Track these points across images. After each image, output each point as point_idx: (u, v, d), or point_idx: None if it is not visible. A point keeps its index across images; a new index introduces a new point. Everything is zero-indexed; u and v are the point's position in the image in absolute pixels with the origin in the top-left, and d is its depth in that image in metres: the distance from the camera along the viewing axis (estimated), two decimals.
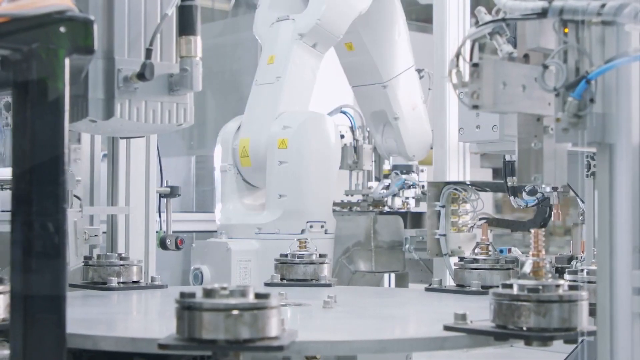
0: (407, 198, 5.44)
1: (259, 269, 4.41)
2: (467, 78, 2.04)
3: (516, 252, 3.92)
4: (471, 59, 2.13)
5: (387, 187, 5.44)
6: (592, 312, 2.18)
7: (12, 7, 1.93)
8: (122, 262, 3.50)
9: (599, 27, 2.03)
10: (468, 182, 4.52)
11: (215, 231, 4.90)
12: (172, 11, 3.19)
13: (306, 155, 4.65)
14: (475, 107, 2.01)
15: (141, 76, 3.05)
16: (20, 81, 1.88)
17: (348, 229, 4.94)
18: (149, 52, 3.09)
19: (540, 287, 2.15)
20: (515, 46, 2.23)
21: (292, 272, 3.63)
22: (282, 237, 4.49)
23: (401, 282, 5.24)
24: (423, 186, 5.39)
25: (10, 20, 1.88)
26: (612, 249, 2.02)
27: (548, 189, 3.96)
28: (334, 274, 4.63)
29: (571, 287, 2.20)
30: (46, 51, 1.88)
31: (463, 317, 2.26)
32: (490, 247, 3.41)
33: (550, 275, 2.23)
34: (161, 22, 3.16)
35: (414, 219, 5.16)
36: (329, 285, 3.60)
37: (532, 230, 2.31)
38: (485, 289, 3.19)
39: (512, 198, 4.22)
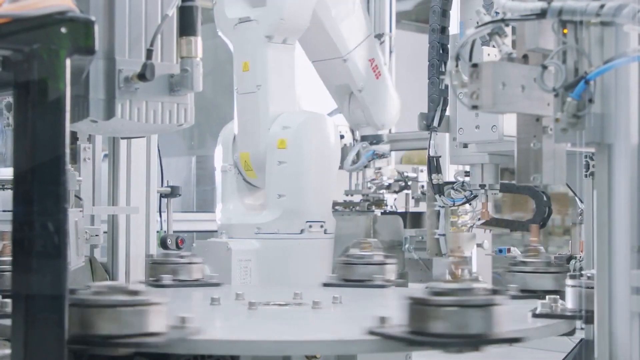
0: (379, 169, 5.35)
1: (259, 269, 4.41)
2: (466, 78, 2.04)
3: (515, 251, 3.93)
4: (470, 59, 2.13)
5: (357, 159, 5.30)
6: (589, 320, 2.17)
7: (13, 7, 1.93)
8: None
9: (598, 27, 2.03)
10: (467, 182, 4.52)
11: (216, 231, 4.90)
12: (172, 12, 3.19)
13: (305, 155, 4.64)
14: (475, 107, 2.01)
15: (142, 76, 3.05)
16: (21, 81, 1.88)
17: (348, 229, 4.94)
18: (149, 53, 3.09)
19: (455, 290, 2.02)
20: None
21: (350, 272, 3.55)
22: (283, 237, 4.49)
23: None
24: (422, 186, 5.38)
25: (12, 21, 1.88)
26: (610, 249, 2.02)
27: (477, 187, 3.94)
28: (333, 273, 4.63)
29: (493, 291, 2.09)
30: (47, 52, 1.88)
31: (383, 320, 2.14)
32: (540, 248, 3.33)
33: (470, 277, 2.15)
34: (162, 22, 3.16)
35: (414, 219, 5.16)
36: (383, 286, 3.49)
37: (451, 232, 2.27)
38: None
39: (437, 197, 4.19)
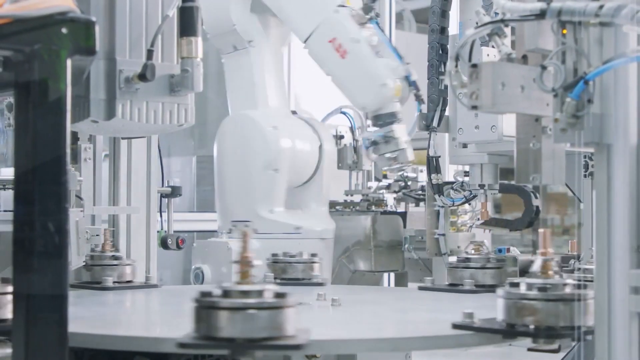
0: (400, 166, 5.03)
1: (260, 268, 4.40)
2: (466, 79, 2.04)
3: (514, 251, 3.93)
4: (470, 60, 2.13)
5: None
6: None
7: (14, 8, 1.93)
8: (116, 261, 3.50)
9: (597, 28, 2.03)
10: (467, 182, 4.52)
11: (216, 231, 4.90)
12: (173, 12, 3.19)
13: (224, 156, 4.64)
14: (474, 107, 2.01)
15: (142, 77, 3.06)
16: (22, 82, 1.88)
17: (348, 229, 4.94)
18: (150, 53, 3.10)
19: (549, 286, 2.14)
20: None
21: (284, 271, 3.65)
22: (283, 237, 4.49)
23: (400, 281, 5.24)
24: (422, 186, 5.38)
25: (13, 22, 1.88)
26: (609, 248, 2.02)
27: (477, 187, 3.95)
28: (333, 273, 4.63)
29: (578, 286, 2.18)
30: (48, 52, 1.88)
31: (470, 315, 2.25)
32: (482, 246, 3.40)
33: (557, 274, 2.22)
34: (162, 23, 3.16)
35: (413, 219, 5.16)
36: (322, 284, 3.60)
37: (541, 230, 2.31)
38: (478, 288, 3.20)
39: (437, 196, 4.19)
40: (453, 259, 3.67)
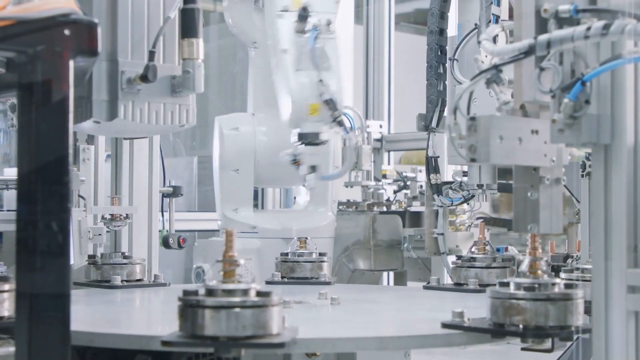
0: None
1: (260, 268, 4.40)
2: (464, 131, 2.04)
3: (513, 250, 3.92)
4: (468, 112, 2.13)
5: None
6: (587, 310, 2.18)
7: (17, 10, 1.93)
8: (125, 260, 3.51)
9: None
10: (465, 182, 4.52)
11: (217, 230, 4.90)
12: (174, 14, 3.19)
13: (214, 158, 4.66)
14: (473, 160, 2.01)
15: (144, 78, 3.06)
16: (25, 83, 1.88)
17: (348, 228, 4.94)
18: (151, 55, 3.10)
19: (537, 285, 2.15)
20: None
21: (293, 270, 3.65)
22: (283, 236, 4.48)
23: (400, 280, 5.24)
24: (421, 186, 5.38)
25: (16, 23, 1.88)
26: (607, 248, 2.02)
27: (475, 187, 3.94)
28: (333, 272, 4.62)
29: (567, 286, 2.21)
30: (51, 53, 1.88)
31: (460, 314, 2.27)
32: (487, 246, 3.41)
33: (546, 273, 2.24)
34: (164, 25, 3.16)
35: (413, 218, 5.16)
36: (329, 283, 3.60)
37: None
38: (482, 287, 3.20)
39: (436, 196, 4.18)
40: (452, 258, 3.67)
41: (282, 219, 4.57)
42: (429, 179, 4.19)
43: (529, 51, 2.04)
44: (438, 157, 4.25)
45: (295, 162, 3.70)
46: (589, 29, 1.93)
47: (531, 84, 2.11)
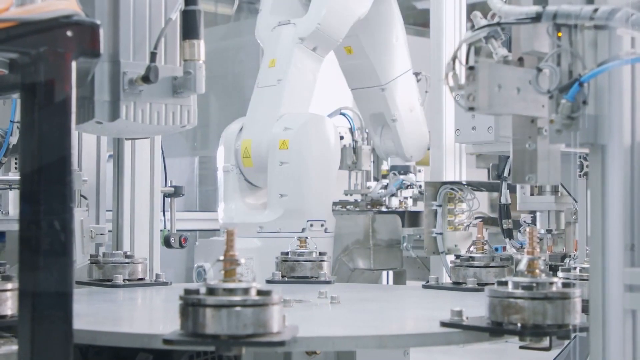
0: (405, 198, 5.43)
1: (261, 267, 4.41)
2: (463, 81, 2.04)
3: (511, 250, 3.93)
4: (467, 62, 2.13)
5: (386, 187, 5.44)
6: (585, 309, 2.18)
7: (20, 11, 1.93)
8: (127, 259, 3.51)
9: (592, 31, 2.03)
10: (464, 182, 4.53)
11: (218, 230, 4.90)
12: (176, 16, 3.19)
13: (306, 156, 4.65)
14: (472, 109, 2.01)
15: (146, 79, 3.05)
16: (28, 84, 1.88)
17: (347, 228, 4.94)
18: (153, 56, 3.09)
19: (535, 284, 2.15)
20: (510, 48, 2.23)
21: (293, 269, 3.65)
22: (283, 236, 4.49)
23: (399, 279, 5.24)
24: (420, 186, 5.38)
25: (19, 25, 1.88)
26: (604, 247, 2.02)
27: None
28: (333, 271, 4.63)
29: (565, 285, 2.21)
30: (53, 54, 1.88)
31: (459, 313, 2.27)
32: (485, 245, 3.41)
33: (544, 273, 2.23)
34: (165, 26, 3.16)
35: (412, 218, 5.16)
36: (329, 282, 3.60)
37: (527, 229, 2.32)
38: (481, 286, 3.20)
39: (507, 240, 4.32)
40: (451, 257, 3.68)
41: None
42: (501, 224, 4.30)
43: (536, 18, 2.04)
44: (509, 203, 4.35)
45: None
46: (595, 10, 1.93)
47: (529, 35, 2.11)
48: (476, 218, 4.44)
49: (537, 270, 2.21)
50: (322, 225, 4.69)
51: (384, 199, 5.38)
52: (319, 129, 4.74)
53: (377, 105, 5.36)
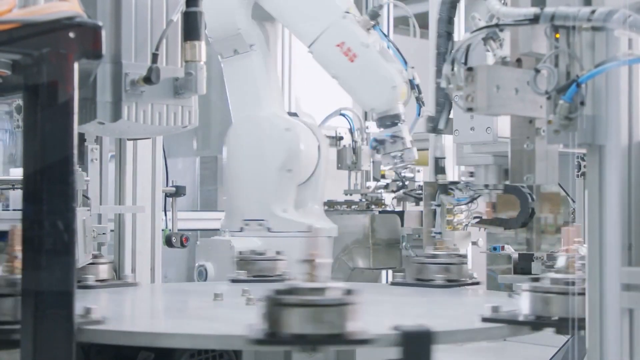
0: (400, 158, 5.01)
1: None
2: (462, 82, 2.04)
3: (509, 249, 3.93)
4: (466, 63, 2.13)
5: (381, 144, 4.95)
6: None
7: (23, 13, 1.93)
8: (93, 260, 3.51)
9: (589, 32, 2.03)
10: (462, 182, 4.52)
11: (219, 229, 4.90)
12: (177, 17, 3.19)
13: (239, 155, 4.64)
14: (470, 109, 2.01)
15: (147, 80, 3.05)
16: (30, 84, 1.88)
17: (347, 227, 4.94)
18: (155, 57, 3.09)
19: (573, 281, 2.17)
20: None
21: (254, 268, 3.67)
22: (284, 235, 4.49)
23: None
24: (419, 186, 5.38)
25: (22, 26, 1.88)
26: (601, 247, 2.02)
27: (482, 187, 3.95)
28: (333, 270, 4.63)
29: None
30: (56, 56, 1.88)
31: (496, 309, 2.28)
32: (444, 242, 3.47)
33: (580, 269, 2.25)
34: (167, 27, 3.16)
35: (411, 218, 5.16)
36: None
37: (563, 228, 2.34)
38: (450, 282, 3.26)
39: (443, 196, 4.19)
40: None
41: (321, 217, 4.67)
42: (435, 179, 4.21)
43: (534, 19, 2.04)
44: (444, 158, 4.26)
45: (381, 145, 4.37)
46: (593, 12, 1.94)
47: (527, 37, 2.11)
48: (474, 218, 4.43)
49: (573, 267, 2.23)
50: (259, 224, 4.61)
51: (385, 161, 5.04)
52: (252, 128, 4.60)
53: (326, 69, 4.68)
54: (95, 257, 3.53)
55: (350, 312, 1.96)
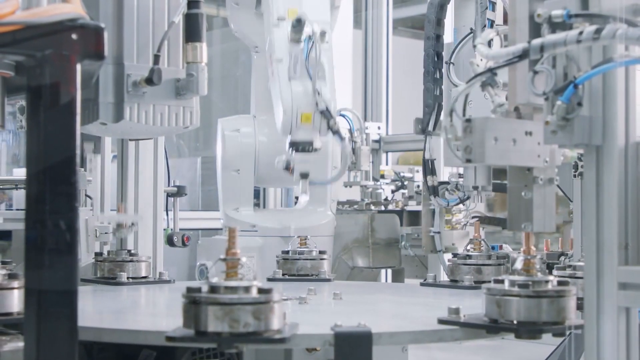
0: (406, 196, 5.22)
1: (262, 265, 4.41)
2: (460, 133, 2.04)
3: (507, 248, 3.92)
4: (464, 114, 2.13)
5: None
6: (580, 307, 2.18)
7: (26, 15, 1.93)
8: (131, 258, 3.51)
9: None
10: (461, 182, 4.52)
11: (220, 229, 4.90)
12: (179, 19, 3.19)
13: (217, 156, 4.64)
14: (469, 160, 2.01)
15: (149, 81, 3.06)
16: (34, 86, 1.88)
17: (347, 227, 4.94)
18: (156, 58, 3.10)
19: (531, 283, 2.16)
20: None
21: (293, 267, 3.65)
22: (284, 235, 4.49)
23: (397, 277, 5.24)
24: (418, 186, 5.38)
25: (25, 28, 1.88)
26: (599, 246, 2.02)
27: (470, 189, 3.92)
28: (333, 269, 4.63)
29: (560, 283, 2.21)
30: (59, 57, 1.88)
31: (456, 311, 2.27)
32: (482, 244, 3.41)
33: (539, 271, 2.24)
34: (168, 29, 3.16)
35: (410, 217, 5.16)
36: (328, 280, 3.60)
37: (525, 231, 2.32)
38: (477, 284, 3.20)
39: (432, 197, 4.17)
40: (448, 255, 3.67)
41: (281, 217, 4.56)
42: (425, 181, 4.19)
43: (523, 55, 2.04)
44: (435, 159, 4.24)
45: (288, 168, 3.48)
46: (581, 33, 1.93)
47: (525, 86, 2.11)
48: (473, 217, 4.43)
49: (533, 269, 2.22)
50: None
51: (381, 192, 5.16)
52: (222, 132, 4.61)
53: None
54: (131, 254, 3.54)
55: (267, 310, 1.97)
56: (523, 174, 2.17)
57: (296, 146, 3.47)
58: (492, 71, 2.13)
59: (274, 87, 3.63)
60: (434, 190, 4.14)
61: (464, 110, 2.16)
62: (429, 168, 4.16)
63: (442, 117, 4.10)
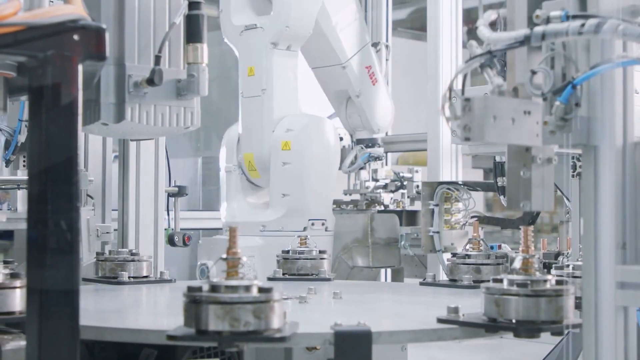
0: (374, 170, 5.36)
1: (263, 265, 4.41)
2: (459, 111, 2.03)
3: (506, 248, 3.92)
4: (463, 93, 2.12)
5: (354, 161, 5.34)
6: (578, 306, 2.18)
7: (28, 16, 1.93)
8: (132, 257, 3.51)
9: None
10: (460, 182, 4.53)
11: (221, 228, 4.90)
12: (180, 20, 3.20)
13: (308, 156, 4.65)
14: (467, 139, 2.01)
15: (150, 81, 3.06)
16: (35, 86, 1.89)
17: (347, 226, 4.94)
18: (158, 59, 3.10)
19: (529, 282, 2.16)
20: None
21: (294, 267, 3.65)
22: (284, 234, 4.49)
23: (397, 276, 5.24)
24: (417, 186, 5.38)
25: (27, 29, 1.88)
26: (596, 245, 2.03)
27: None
28: (333, 269, 4.63)
29: (558, 282, 2.21)
30: (60, 58, 1.88)
31: (455, 310, 2.27)
32: (481, 243, 3.41)
33: (538, 270, 2.24)
34: (169, 30, 3.16)
35: (409, 217, 5.16)
36: (328, 279, 3.60)
37: (522, 228, 2.32)
38: (476, 283, 3.20)
39: (502, 197, 4.19)
40: (447, 255, 3.67)
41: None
42: (495, 181, 4.20)
43: (524, 41, 2.04)
44: (504, 162, 4.28)
45: None
46: (583, 25, 1.93)
47: (524, 67, 2.11)
48: (472, 217, 4.43)
49: (531, 268, 2.22)
50: (322, 224, 4.69)
51: (351, 172, 5.35)
52: (319, 131, 4.73)
53: (339, 83, 5.21)
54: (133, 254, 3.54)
55: (267, 309, 1.97)
56: (522, 153, 2.17)
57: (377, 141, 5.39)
58: (491, 53, 2.13)
59: (374, 93, 5.26)
60: (503, 191, 4.16)
61: (463, 89, 2.15)
62: (499, 169, 4.19)
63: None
